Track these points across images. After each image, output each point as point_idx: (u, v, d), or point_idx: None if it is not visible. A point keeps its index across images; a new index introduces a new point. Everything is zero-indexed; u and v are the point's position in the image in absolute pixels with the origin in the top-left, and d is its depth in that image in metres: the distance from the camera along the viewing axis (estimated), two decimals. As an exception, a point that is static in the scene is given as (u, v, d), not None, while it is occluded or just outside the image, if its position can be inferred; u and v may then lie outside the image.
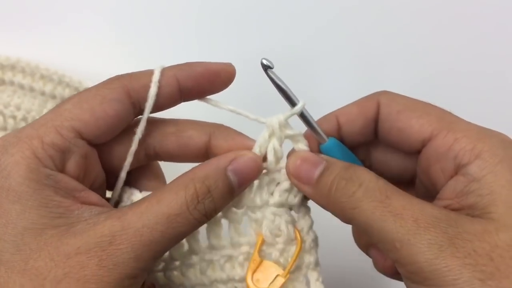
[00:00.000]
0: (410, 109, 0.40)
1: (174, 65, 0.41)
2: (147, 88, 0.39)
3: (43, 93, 0.63)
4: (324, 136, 0.41)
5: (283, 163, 0.41)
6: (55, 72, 0.63)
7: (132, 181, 0.44)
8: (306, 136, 0.42)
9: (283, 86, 0.39)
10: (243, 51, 0.64)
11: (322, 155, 0.40)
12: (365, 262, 0.45)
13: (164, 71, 0.40)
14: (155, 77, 0.40)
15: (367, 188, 0.36)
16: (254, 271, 0.41)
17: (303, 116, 0.40)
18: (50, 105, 0.64)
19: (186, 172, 0.39)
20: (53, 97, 0.63)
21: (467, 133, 0.38)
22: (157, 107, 0.41)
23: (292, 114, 0.40)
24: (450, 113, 0.40)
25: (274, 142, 0.41)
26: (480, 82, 0.66)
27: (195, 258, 0.43)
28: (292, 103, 0.40)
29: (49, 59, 0.64)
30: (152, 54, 0.65)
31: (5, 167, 0.36)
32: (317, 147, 0.42)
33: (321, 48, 0.67)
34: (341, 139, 0.42)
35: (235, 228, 0.42)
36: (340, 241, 0.39)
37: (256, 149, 0.41)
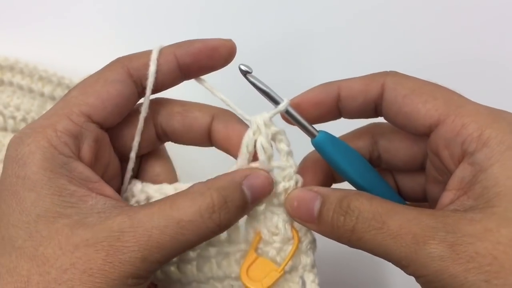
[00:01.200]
0: (416, 93, 0.39)
1: (174, 43, 0.41)
2: (146, 66, 0.40)
3: (42, 94, 0.63)
4: (314, 131, 0.41)
5: (275, 161, 0.41)
6: (54, 73, 0.63)
7: (141, 171, 0.45)
8: (300, 171, 0.42)
9: (264, 88, 0.40)
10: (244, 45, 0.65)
11: (316, 188, 0.40)
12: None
13: (162, 49, 0.41)
14: (154, 55, 0.40)
15: (363, 219, 0.36)
16: (248, 266, 0.40)
17: (289, 113, 0.40)
18: (49, 106, 0.63)
19: (202, 182, 0.39)
20: (53, 98, 0.63)
21: (475, 117, 0.37)
22: (158, 86, 0.41)
23: (277, 112, 0.40)
24: (458, 95, 0.39)
25: (261, 140, 0.40)
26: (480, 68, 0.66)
27: (192, 254, 0.42)
28: (276, 102, 0.40)
29: (48, 59, 0.64)
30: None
31: (21, 157, 0.36)
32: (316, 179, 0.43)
33: (315, 39, 0.67)
34: (339, 110, 0.42)
35: (233, 226, 0.42)
36: (339, 244, 0.39)
37: (244, 148, 0.41)
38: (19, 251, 0.35)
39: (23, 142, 0.37)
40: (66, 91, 0.61)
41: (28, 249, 0.34)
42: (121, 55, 0.41)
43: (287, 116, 0.41)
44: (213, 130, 0.42)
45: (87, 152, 0.38)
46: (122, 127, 0.42)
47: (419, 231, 0.35)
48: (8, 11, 0.67)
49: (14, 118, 0.62)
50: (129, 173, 0.43)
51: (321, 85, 0.42)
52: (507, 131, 0.36)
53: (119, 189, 0.43)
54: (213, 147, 0.44)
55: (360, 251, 0.38)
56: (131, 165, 0.42)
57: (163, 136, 0.43)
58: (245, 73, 0.40)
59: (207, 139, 0.43)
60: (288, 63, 0.66)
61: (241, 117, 0.42)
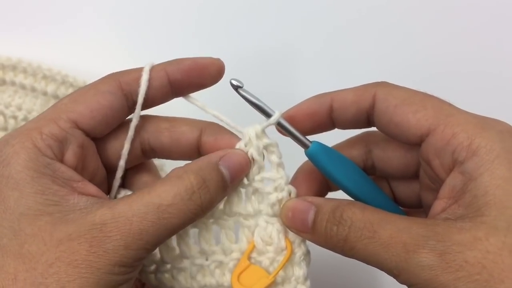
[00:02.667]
0: (406, 103, 0.39)
1: (164, 62, 0.42)
2: (137, 80, 0.41)
3: (45, 93, 0.63)
4: (307, 141, 0.41)
5: (266, 173, 0.42)
6: (58, 72, 0.63)
7: (128, 181, 0.45)
8: (295, 181, 0.43)
9: (256, 101, 0.40)
10: (241, 53, 0.66)
11: (310, 198, 0.41)
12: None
13: (154, 66, 0.42)
14: (145, 69, 0.41)
15: (355, 229, 0.37)
16: (240, 273, 0.41)
17: (281, 125, 0.41)
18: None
19: (179, 167, 0.39)
20: (56, 97, 0.63)
21: (465, 126, 0.37)
22: (149, 101, 0.42)
23: (269, 125, 0.41)
24: (448, 104, 0.39)
25: (253, 152, 0.41)
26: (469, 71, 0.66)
27: (186, 262, 0.43)
28: (268, 115, 0.41)
29: (50, 60, 0.64)
30: (154, 54, 0.65)
31: (6, 157, 0.37)
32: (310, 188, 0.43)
33: (305, 50, 0.68)
34: (332, 121, 0.43)
35: (227, 235, 0.43)
36: (334, 256, 0.39)
37: None
38: (4, 250, 0.35)
39: (8, 143, 0.38)
40: (70, 90, 0.63)
41: (14, 247, 0.35)
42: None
43: (280, 128, 0.41)
44: (203, 143, 0.43)
45: (71, 157, 0.39)
46: (109, 140, 0.43)
47: (409, 240, 0.35)
48: (10, 12, 0.68)
49: (15, 118, 0.62)
50: (117, 181, 0.43)
51: (313, 96, 0.43)
52: (496, 140, 0.36)
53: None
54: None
55: (355, 261, 0.38)
56: (119, 173, 0.43)
57: (150, 152, 0.44)
58: (236, 88, 0.40)
59: (195, 153, 0.43)
60: (279, 75, 0.67)
61: (234, 130, 0.43)
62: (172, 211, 0.37)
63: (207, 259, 0.43)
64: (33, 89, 0.64)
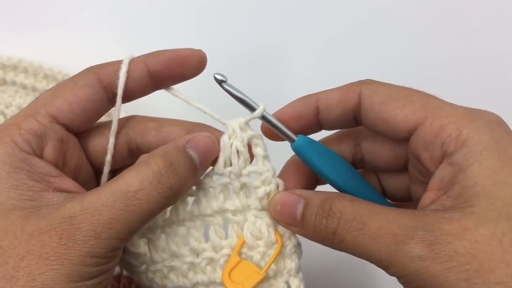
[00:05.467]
0: (393, 99, 0.39)
1: (144, 54, 0.42)
2: (116, 72, 0.41)
3: None
4: (292, 135, 0.41)
5: (252, 166, 0.42)
6: (60, 71, 0.63)
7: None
8: (283, 175, 0.43)
9: (240, 95, 0.40)
10: (231, 52, 0.66)
11: (298, 191, 0.41)
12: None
13: (133, 58, 0.42)
14: (124, 61, 0.41)
15: (344, 221, 0.37)
16: (231, 270, 0.41)
17: (265, 119, 0.41)
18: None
19: (145, 154, 0.39)
20: None
21: (453, 118, 0.37)
22: (129, 93, 0.42)
23: (253, 117, 0.41)
24: (434, 97, 0.39)
25: (237, 143, 0.41)
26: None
27: (176, 261, 0.43)
28: (252, 109, 0.41)
29: (50, 60, 0.64)
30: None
31: None
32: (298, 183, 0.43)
33: (293, 48, 0.68)
34: (319, 122, 0.42)
35: (216, 231, 0.42)
36: (325, 249, 0.39)
37: (221, 152, 0.41)
38: None
39: None
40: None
41: None
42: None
43: (264, 122, 0.41)
44: None
45: (51, 152, 0.39)
46: (95, 137, 0.43)
47: (398, 231, 0.35)
48: (11, 12, 0.68)
49: (15, 117, 0.63)
50: (105, 176, 0.43)
51: (299, 98, 0.43)
52: (484, 130, 0.36)
53: None
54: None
55: (347, 255, 0.38)
56: (107, 168, 0.43)
57: (137, 152, 0.43)
58: (220, 82, 0.40)
59: None
60: (270, 73, 0.67)
61: (218, 123, 0.42)
62: (141, 197, 0.36)
63: (197, 257, 0.42)
64: (34, 89, 0.63)
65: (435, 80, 0.65)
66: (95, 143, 0.43)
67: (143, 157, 0.39)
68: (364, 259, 0.37)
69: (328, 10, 0.68)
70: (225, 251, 0.42)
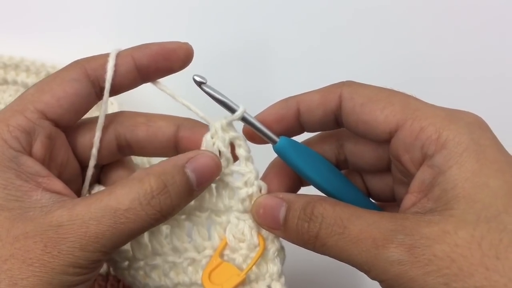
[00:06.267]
0: (373, 101, 0.39)
1: (131, 47, 0.42)
2: (103, 66, 0.41)
3: None
4: (274, 137, 0.41)
5: (234, 166, 0.42)
6: None
7: (104, 177, 0.45)
8: (267, 177, 0.43)
9: (220, 97, 0.40)
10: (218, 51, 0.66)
11: (281, 195, 0.40)
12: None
13: (120, 52, 0.41)
14: (112, 54, 0.41)
15: (326, 225, 0.37)
16: (212, 271, 0.41)
17: (246, 120, 0.41)
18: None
19: (143, 168, 0.39)
20: None
21: (432, 120, 0.37)
22: (117, 87, 0.41)
23: (234, 119, 0.41)
24: (414, 98, 0.39)
25: (218, 144, 0.41)
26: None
27: (158, 259, 0.43)
28: (233, 111, 0.40)
29: (51, 60, 0.64)
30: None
31: None
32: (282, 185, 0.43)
33: (276, 47, 0.68)
34: (301, 125, 0.42)
35: (199, 231, 0.43)
36: (311, 253, 0.39)
37: (202, 149, 0.41)
38: None
39: None
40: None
41: None
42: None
43: (245, 123, 0.41)
44: (180, 138, 0.43)
45: (40, 149, 0.39)
46: (83, 133, 0.42)
47: (378, 235, 0.35)
48: (12, 13, 0.68)
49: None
50: (90, 170, 0.43)
51: (280, 101, 0.42)
52: (464, 132, 0.36)
53: (79, 191, 0.44)
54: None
55: (332, 259, 0.38)
56: (92, 162, 0.42)
57: (126, 148, 0.43)
58: (199, 84, 0.40)
59: (172, 149, 0.43)
60: (252, 71, 0.67)
61: (202, 121, 0.42)
62: (130, 216, 0.36)
63: (179, 257, 0.42)
64: None
65: (421, 79, 0.65)
66: (83, 138, 0.42)
67: (138, 174, 0.38)
68: (346, 263, 0.37)
69: (312, 10, 0.67)
70: (208, 252, 0.42)
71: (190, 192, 0.39)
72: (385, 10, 0.67)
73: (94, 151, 0.42)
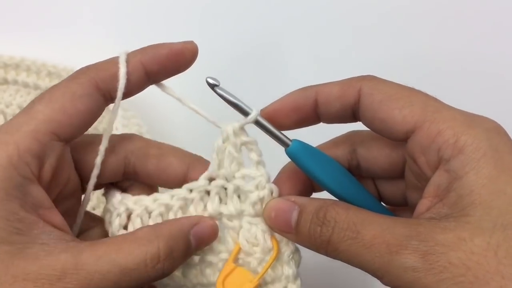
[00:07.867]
0: (392, 99, 0.38)
1: (139, 49, 0.41)
2: (114, 77, 0.40)
3: None
4: (287, 140, 0.40)
5: (245, 170, 0.42)
6: (64, 68, 0.63)
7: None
8: (279, 181, 0.42)
9: (233, 100, 0.40)
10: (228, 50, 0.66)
11: (293, 198, 0.40)
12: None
13: (129, 57, 0.41)
14: (121, 60, 0.40)
15: (339, 229, 0.36)
16: (226, 277, 0.40)
17: (259, 124, 0.40)
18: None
19: (151, 226, 0.39)
20: None
21: (451, 123, 0.36)
22: (126, 94, 0.41)
23: (246, 123, 0.40)
24: (434, 99, 0.38)
25: (230, 149, 0.41)
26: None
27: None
28: (246, 114, 0.40)
29: (51, 60, 0.64)
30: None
31: None
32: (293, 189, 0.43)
33: (289, 44, 0.68)
34: (317, 115, 0.42)
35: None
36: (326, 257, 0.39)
37: (213, 155, 0.41)
38: None
39: None
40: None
41: None
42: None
43: (258, 127, 0.41)
44: (189, 179, 0.42)
45: (48, 172, 0.38)
46: (89, 150, 0.42)
47: (392, 240, 0.34)
48: (13, 13, 0.68)
49: (16, 117, 0.62)
50: (93, 179, 0.42)
51: (299, 89, 0.42)
52: (482, 138, 0.36)
53: (75, 206, 0.43)
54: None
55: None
56: (96, 171, 0.41)
57: (132, 174, 0.43)
58: (213, 86, 0.40)
59: (178, 185, 0.42)
60: (262, 70, 0.67)
61: (212, 125, 0.42)
62: (134, 276, 0.36)
63: (198, 259, 0.42)
64: (36, 87, 0.63)
65: (435, 79, 0.65)
66: (89, 156, 0.42)
67: (147, 232, 0.38)
68: (359, 269, 0.37)
69: (326, 11, 0.68)
70: (223, 255, 0.42)
71: (188, 255, 0.40)
72: (400, 10, 0.67)
73: (98, 160, 0.41)
